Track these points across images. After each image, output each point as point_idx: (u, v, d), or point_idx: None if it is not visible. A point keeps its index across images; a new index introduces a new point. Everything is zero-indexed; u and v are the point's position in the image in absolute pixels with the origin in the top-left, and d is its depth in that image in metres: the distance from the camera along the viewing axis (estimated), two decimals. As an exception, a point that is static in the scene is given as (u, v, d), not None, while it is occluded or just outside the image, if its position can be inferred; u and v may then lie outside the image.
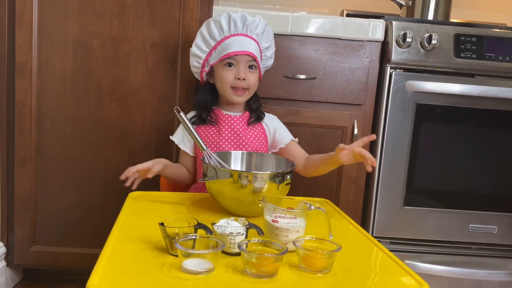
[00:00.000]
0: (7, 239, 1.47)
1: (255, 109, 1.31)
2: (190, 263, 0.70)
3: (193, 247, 0.75)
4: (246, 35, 1.24)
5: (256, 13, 1.44)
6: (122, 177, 1.12)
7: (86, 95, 1.42)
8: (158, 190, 1.33)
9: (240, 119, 1.28)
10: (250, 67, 1.24)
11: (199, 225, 0.80)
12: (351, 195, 1.55)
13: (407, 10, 1.84)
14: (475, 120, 1.50)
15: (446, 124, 1.51)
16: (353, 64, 1.48)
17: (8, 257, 1.48)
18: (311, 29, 1.45)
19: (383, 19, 1.48)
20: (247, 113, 1.30)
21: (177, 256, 0.74)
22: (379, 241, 0.94)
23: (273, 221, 0.83)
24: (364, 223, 1.56)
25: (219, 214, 0.99)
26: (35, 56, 1.38)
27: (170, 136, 1.31)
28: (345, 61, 1.48)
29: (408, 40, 1.41)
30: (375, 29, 1.46)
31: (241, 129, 1.26)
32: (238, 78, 1.22)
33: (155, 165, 1.14)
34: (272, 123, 1.32)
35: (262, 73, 1.32)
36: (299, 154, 1.29)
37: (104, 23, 1.38)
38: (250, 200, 0.95)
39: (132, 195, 1.12)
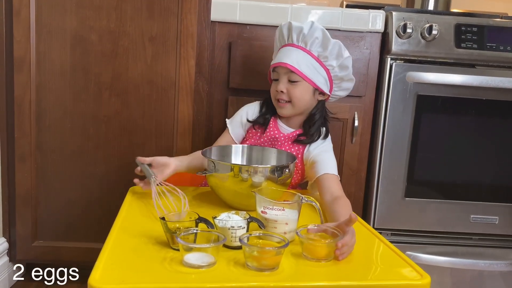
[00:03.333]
0: (9, 234, 1.48)
1: (313, 129, 1.20)
2: (192, 257, 0.71)
3: (194, 241, 0.75)
4: (299, 47, 1.17)
5: (255, 5, 1.43)
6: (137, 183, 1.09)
7: (85, 90, 1.41)
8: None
9: (287, 137, 1.21)
10: (291, 80, 1.17)
11: (200, 219, 0.80)
12: (352, 187, 1.55)
13: (407, 1, 1.82)
14: (476, 110, 1.50)
15: (447, 115, 1.50)
16: (353, 56, 1.46)
17: (10, 253, 1.49)
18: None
19: (383, 10, 1.47)
20: (299, 131, 1.22)
21: (178, 250, 0.74)
22: (380, 233, 0.95)
23: (262, 212, 0.84)
24: (365, 214, 1.56)
25: (220, 208, 0.99)
26: (33, 51, 1.38)
27: (227, 119, 1.30)
28: (345, 53, 1.47)
29: (409, 30, 1.40)
30: (375, 20, 1.45)
31: (278, 146, 1.20)
32: (277, 91, 1.19)
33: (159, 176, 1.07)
34: (316, 151, 1.18)
35: (339, 94, 1.25)
36: (327, 188, 1.06)
37: (102, 17, 1.38)
38: (249, 194, 0.95)
39: (133, 189, 1.12)
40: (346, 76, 1.23)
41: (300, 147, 1.20)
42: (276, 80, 1.20)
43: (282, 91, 1.17)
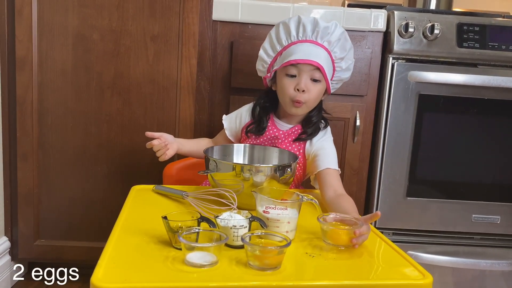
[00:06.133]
0: (11, 233, 1.48)
1: (312, 124, 1.19)
2: (194, 256, 0.70)
3: (196, 240, 0.75)
4: (315, 42, 1.14)
5: (257, 4, 1.43)
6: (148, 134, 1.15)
7: (87, 88, 1.42)
8: (161, 183, 1.33)
9: (285, 134, 1.20)
10: (314, 78, 1.13)
11: (202, 218, 0.80)
12: (354, 186, 1.55)
13: (409, 0, 1.82)
14: (478, 110, 1.49)
15: (449, 114, 1.50)
16: (355, 55, 1.46)
17: (12, 251, 1.49)
18: (313, 20, 1.44)
19: (385, 9, 1.47)
20: (298, 127, 1.20)
21: (180, 249, 0.74)
22: (382, 232, 0.95)
23: (264, 212, 0.83)
24: (366, 214, 1.56)
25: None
26: (35, 50, 1.38)
27: (224, 116, 1.29)
28: (347, 52, 1.47)
29: (410, 30, 1.40)
30: (377, 19, 1.45)
31: (278, 144, 1.19)
32: (298, 89, 1.12)
33: (170, 149, 1.15)
34: (318, 144, 1.17)
35: (333, 86, 1.21)
36: (330, 184, 1.07)
37: (104, 16, 1.38)
38: (251, 193, 0.95)
39: (135, 188, 1.12)
40: (346, 78, 1.23)
41: (301, 142, 1.19)
42: (292, 76, 1.14)
43: (303, 90, 1.12)
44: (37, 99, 1.40)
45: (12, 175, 1.45)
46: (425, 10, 1.53)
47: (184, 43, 1.40)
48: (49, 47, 1.39)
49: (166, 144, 1.14)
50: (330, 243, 0.81)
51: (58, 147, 1.44)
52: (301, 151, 1.18)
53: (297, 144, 1.19)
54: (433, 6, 1.75)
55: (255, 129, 1.22)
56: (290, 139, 1.19)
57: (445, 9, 1.75)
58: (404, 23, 1.41)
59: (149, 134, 1.15)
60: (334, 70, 1.18)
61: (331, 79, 1.18)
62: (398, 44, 1.43)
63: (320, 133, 1.20)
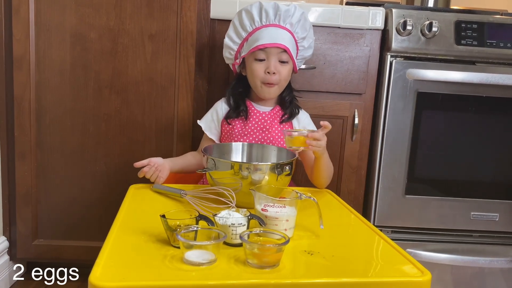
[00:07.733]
0: (9, 233, 1.48)
1: (288, 104, 1.27)
2: (192, 255, 0.71)
3: (194, 239, 0.75)
4: (279, 26, 1.20)
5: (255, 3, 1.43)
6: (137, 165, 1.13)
7: (85, 88, 1.41)
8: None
9: (270, 115, 1.25)
10: (282, 60, 1.20)
11: (201, 217, 0.80)
12: (352, 184, 1.55)
13: (407, -2, 1.82)
14: (476, 107, 1.50)
15: (447, 112, 1.50)
16: (353, 53, 1.47)
17: (11, 251, 1.49)
18: (311, 18, 1.44)
19: (383, 7, 1.47)
20: (277, 108, 1.27)
21: (179, 247, 0.74)
22: (381, 230, 0.94)
23: (262, 210, 0.84)
24: (365, 212, 1.56)
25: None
26: (33, 49, 1.37)
27: (198, 121, 1.31)
28: (345, 50, 1.47)
29: (409, 28, 1.40)
30: (375, 17, 1.45)
31: (268, 126, 1.24)
32: (268, 72, 1.18)
33: (161, 173, 1.12)
34: (304, 122, 1.28)
35: (298, 65, 1.29)
36: (310, 158, 1.21)
37: (102, 15, 1.37)
38: (249, 191, 0.95)
39: (133, 187, 1.12)
40: (308, 56, 1.30)
41: (289, 122, 1.27)
42: (261, 60, 1.20)
43: (274, 73, 1.18)
44: (34, 98, 1.40)
45: (10, 174, 1.44)
46: (423, 7, 1.53)
47: (182, 42, 1.40)
48: (46, 46, 1.38)
49: (156, 167, 1.12)
50: (291, 147, 1.05)
51: (56, 146, 1.44)
52: (290, 129, 1.25)
53: (284, 124, 1.25)
54: (431, 3, 1.75)
55: (233, 112, 1.25)
56: (276, 121, 1.25)
57: (443, 6, 1.75)
58: (402, 21, 1.41)
59: (137, 164, 1.12)
60: (297, 49, 1.25)
61: (295, 58, 1.24)
62: (396, 42, 1.43)
63: (301, 111, 1.30)
